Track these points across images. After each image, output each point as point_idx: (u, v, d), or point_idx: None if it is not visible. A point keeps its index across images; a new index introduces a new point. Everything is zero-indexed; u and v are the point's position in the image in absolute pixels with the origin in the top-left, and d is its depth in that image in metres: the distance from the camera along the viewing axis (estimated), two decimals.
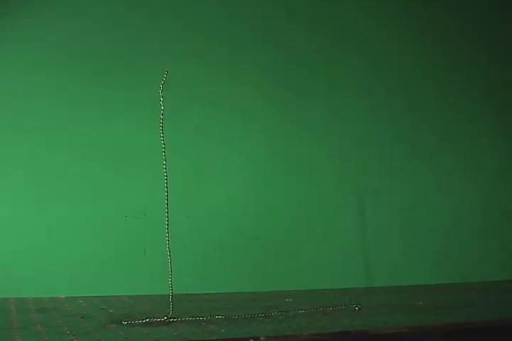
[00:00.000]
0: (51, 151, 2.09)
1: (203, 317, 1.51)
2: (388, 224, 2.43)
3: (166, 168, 1.57)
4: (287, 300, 1.92)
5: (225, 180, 2.26)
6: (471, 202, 2.54)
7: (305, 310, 1.61)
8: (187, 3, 2.29)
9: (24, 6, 2.09)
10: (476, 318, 1.50)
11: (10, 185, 2.05)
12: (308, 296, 2.08)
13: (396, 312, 1.64)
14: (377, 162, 2.45)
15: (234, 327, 1.39)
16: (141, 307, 1.78)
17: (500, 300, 1.94)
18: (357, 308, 1.67)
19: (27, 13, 2.10)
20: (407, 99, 2.52)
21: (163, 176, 2.16)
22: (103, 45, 2.17)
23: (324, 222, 2.36)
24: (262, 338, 1.24)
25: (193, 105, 2.25)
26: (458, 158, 2.56)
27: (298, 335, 1.27)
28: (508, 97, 2.64)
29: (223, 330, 1.33)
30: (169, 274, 1.53)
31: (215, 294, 2.11)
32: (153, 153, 2.20)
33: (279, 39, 2.38)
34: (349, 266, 2.35)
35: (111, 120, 2.16)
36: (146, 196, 2.17)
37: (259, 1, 2.39)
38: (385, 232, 2.42)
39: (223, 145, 2.28)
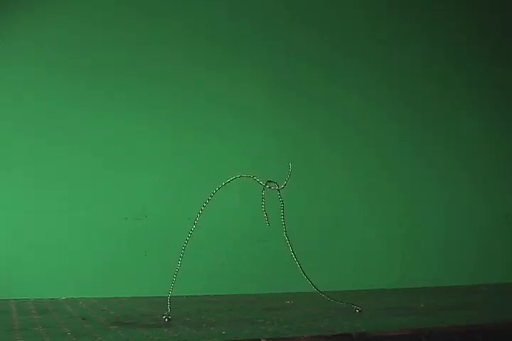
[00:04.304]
0: (51, 151, 2.09)
1: (203, 319, 1.51)
2: (390, 226, 2.43)
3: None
4: (288, 302, 1.92)
5: (226, 181, 2.26)
6: (473, 204, 2.54)
7: (306, 312, 1.60)
8: (188, 2, 2.30)
9: (24, 4, 2.09)
10: (477, 321, 1.50)
11: (10, 186, 2.05)
12: (308, 298, 2.07)
13: (397, 315, 1.63)
14: (379, 162, 2.45)
15: (235, 328, 1.38)
16: (142, 308, 1.78)
17: (502, 302, 1.94)
18: (358, 310, 1.67)
19: (27, 11, 2.10)
20: (408, 98, 2.52)
21: (164, 178, 2.18)
22: (104, 44, 2.17)
23: (325, 223, 2.36)
24: (262, 340, 1.24)
25: (196, 105, 2.25)
26: (459, 157, 2.55)
27: (299, 337, 1.27)
28: (509, 95, 2.65)
29: (224, 332, 1.33)
30: (174, 275, 1.55)
31: (215, 296, 2.10)
32: (154, 153, 2.22)
33: (279, 39, 2.38)
34: (350, 268, 2.35)
35: (111, 120, 2.16)
36: (146, 198, 2.17)
37: (259, 0, 2.39)
38: (386, 234, 2.42)
39: (225, 146, 2.28)
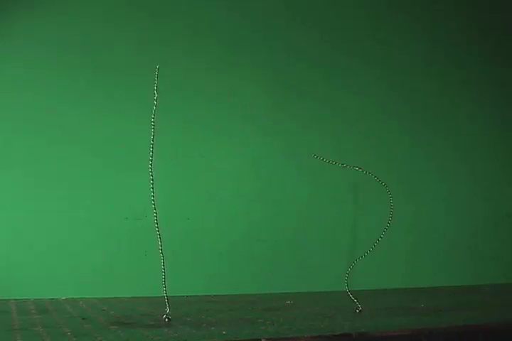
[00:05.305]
0: (51, 151, 2.09)
1: (203, 319, 1.51)
2: (391, 227, 2.42)
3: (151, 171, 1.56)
4: (288, 302, 1.92)
5: (226, 182, 2.26)
6: (474, 204, 2.54)
7: (306, 312, 1.60)
8: (188, 2, 2.30)
9: (24, 4, 2.09)
10: (477, 321, 1.50)
11: (10, 186, 2.05)
12: (308, 298, 2.08)
13: (397, 315, 1.64)
14: (379, 162, 2.45)
15: (235, 328, 1.38)
16: (142, 308, 1.78)
17: (502, 302, 1.94)
18: (358, 310, 1.67)
19: (27, 11, 2.10)
20: (408, 96, 2.52)
21: (164, 178, 2.17)
22: (104, 44, 2.17)
23: (326, 224, 2.36)
24: (263, 340, 1.24)
25: (195, 104, 2.25)
26: (460, 156, 2.56)
27: (299, 337, 1.27)
28: (508, 93, 2.65)
29: (224, 332, 1.33)
30: (163, 274, 1.55)
31: (216, 296, 2.10)
32: (156, 153, 2.21)
33: (279, 39, 2.38)
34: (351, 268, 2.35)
35: (111, 120, 2.16)
36: (147, 198, 2.16)
37: (259, 0, 2.39)
38: (387, 235, 2.42)
39: (224, 147, 2.28)
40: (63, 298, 2.00)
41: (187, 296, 2.06)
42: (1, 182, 2.04)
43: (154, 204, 1.59)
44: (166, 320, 1.50)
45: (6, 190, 2.04)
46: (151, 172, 1.57)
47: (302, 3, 2.43)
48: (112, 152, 2.15)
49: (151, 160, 1.57)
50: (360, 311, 1.67)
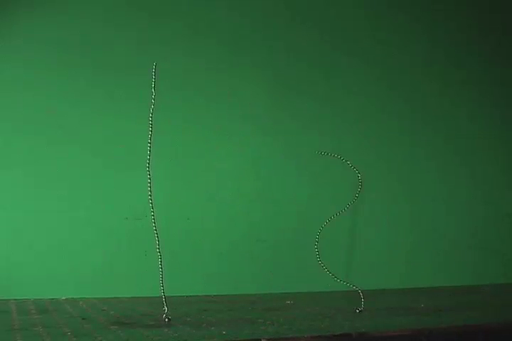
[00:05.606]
0: (51, 151, 2.09)
1: (203, 319, 1.52)
2: (391, 227, 2.43)
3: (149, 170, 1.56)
4: (288, 302, 1.92)
5: (226, 182, 2.26)
6: (473, 204, 2.54)
7: (306, 312, 1.60)
8: (188, 2, 2.30)
9: (24, 4, 2.09)
10: (477, 321, 1.50)
11: (10, 186, 2.05)
12: (308, 298, 2.08)
13: (397, 315, 1.64)
14: (379, 162, 2.45)
15: (235, 328, 1.39)
16: (142, 308, 1.78)
17: (502, 302, 1.94)
18: (358, 311, 1.67)
19: (27, 11, 2.10)
20: (408, 96, 2.52)
21: (164, 178, 2.18)
22: (104, 44, 2.17)
23: (326, 223, 2.35)
24: (263, 340, 1.24)
25: (195, 104, 2.25)
26: (458, 153, 2.56)
27: (299, 337, 1.27)
28: (508, 93, 2.65)
29: (224, 332, 1.33)
30: (160, 274, 1.55)
31: (215, 296, 2.11)
32: (154, 153, 2.21)
33: (279, 39, 2.38)
34: (351, 269, 2.35)
35: (111, 119, 2.16)
36: (147, 198, 2.16)
37: (259, 0, 2.39)
38: (387, 235, 2.42)
39: (224, 147, 2.28)
40: (63, 298, 2.00)
41: (187, 296, 2.06)
42: (1, 182, 2.04)
43: (152, 204, 1.58)
44: (166, 320, 1.50)
45: (6, 190, 2.04)
46: (149, 171, 1.57)
47: (302, 3, 2.43)
48: (112, 152, 2.15)
49: (149, 159, 1.57)
50: (360, 311, 1.67)
